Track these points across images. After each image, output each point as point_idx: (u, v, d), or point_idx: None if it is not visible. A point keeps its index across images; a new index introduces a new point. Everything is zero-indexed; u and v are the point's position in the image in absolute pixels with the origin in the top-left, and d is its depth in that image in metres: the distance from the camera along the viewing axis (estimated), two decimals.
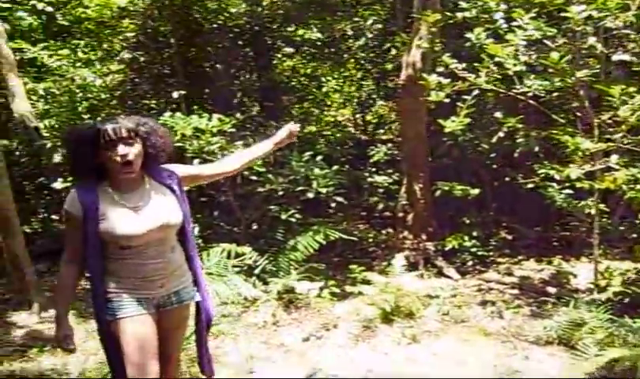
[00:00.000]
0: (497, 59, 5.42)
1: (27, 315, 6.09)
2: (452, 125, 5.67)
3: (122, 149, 2.80)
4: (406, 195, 7.52)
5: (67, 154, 3.09)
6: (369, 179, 8.07)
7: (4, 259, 6.47)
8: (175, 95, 7.66)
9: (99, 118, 2.88)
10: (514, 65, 5.38)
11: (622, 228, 7.06)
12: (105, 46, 9.17)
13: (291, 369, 4.69)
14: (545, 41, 5.46)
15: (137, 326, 2.88)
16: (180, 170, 3.14)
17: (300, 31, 9.51)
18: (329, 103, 10.99)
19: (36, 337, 5.56)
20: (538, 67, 5.74)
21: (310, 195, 6.72)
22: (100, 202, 2.85)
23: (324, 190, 6.67)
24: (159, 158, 3.00)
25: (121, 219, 2.84)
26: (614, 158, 5.28)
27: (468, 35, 5.65)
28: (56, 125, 8.50)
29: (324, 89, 10.76)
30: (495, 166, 8.08)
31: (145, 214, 2.89)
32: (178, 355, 3.27)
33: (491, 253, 7.59)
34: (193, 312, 3.21)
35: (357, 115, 10.90)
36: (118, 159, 2.80)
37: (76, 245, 2.89)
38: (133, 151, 2.83)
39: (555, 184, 6.20)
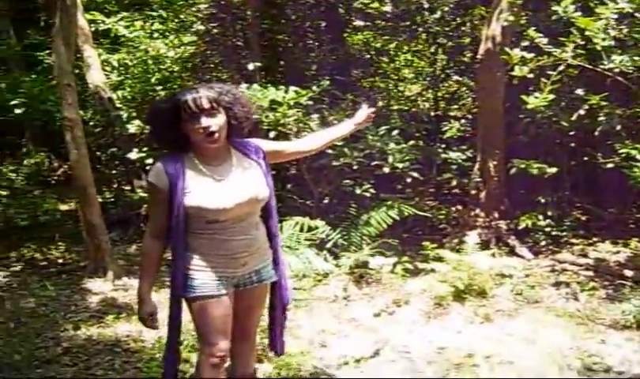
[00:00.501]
0: (586, 33, 5.22)
1: (102, 282, 6.27)
2: (535, 101, 5.49)
3: (204, 121, 2.71)
4: (480, 172, 7.39)
5: (151, 129, 3.02)
6: (442, 155, 7.93)
7: (80, 227, 6.68)
8: (251, 67, 7.67)
9: (178, 89, 2.78)
10: (603, 39, 5.17)
11: None
12: (179, 17, 9.25)
13: (362, 343, 4.68)
14: (637, 14, 5.23)
15: (214, 306, 2.86)
16: (265, 145, 3.08)
17: (375, 5, 9.39)
18: (400, 77, 10.83)
19: (111, 304, 5.70)
20: (628, 42, 5.49)
21: (386, 170, 6.66)
22: (187, 174, 2.78)
23: (400, 165, 6.60)
24: (242, 129, 2.91)
25: (209, 192, 2.77)
26: None
27: (555, 7, 5.44)
28: (129, 96, 8.66)
29: (395, 64, 10.61)
30: (573, 144, 7.84)
31: (234, 187, 2.81)
32: (256, 332, 3.23)
33: (564, 234, 7.39)
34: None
35: (429, 90, 10.72)
36: (201, 131, 2.72)
37: (161, 220, 2.84)
38: (216, 122, 2.74)
39: (637, 164, 5.94)
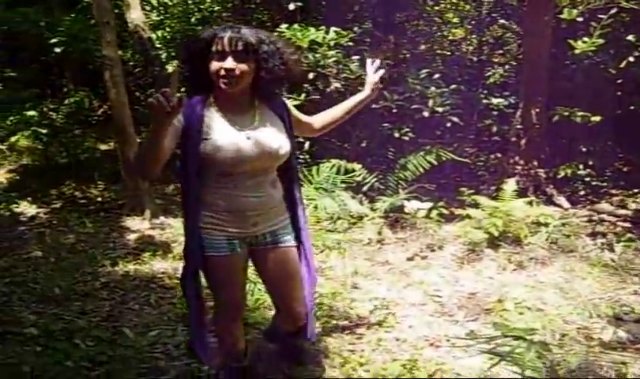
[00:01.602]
0: None
1: (140, 220, 6.43)
2: (583, 45, 5.29)
3: (229, 62, 2.54)
4: (521, 119, 7.26)
5: (181, 60, 2.91)
6: (484, 101, 7.81)
7: (119, 166, 6.81)
8: (291, 6, 7.58)
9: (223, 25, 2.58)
10: None
11: None
12: None
13: (394, 286, 4.74)
14: None
15: (224, 265, 2.76)
16: (291, 108, 2.94)
17: None
18: (444, 20, 10.60)
19: (148, 242, 5.83)
20: None
21: (426, 114, 6.57)
22: (205, 120, 2.63)
23: (440, 109, 6.52)
24: (275, 84, 2.74)
25: (227, 141, 2.61)
26: None
27: None
28: (168, 36, 8.65)
29: (440, 7, 10.37)
30: (619, 93, 7.64)
31: (254, 138, 2.65)
32: (301, 295, 2.99)
33: (605, 184, 7.30)
34: None
35: (473, 35, 10.47)
36: (222, 72, 2.54)
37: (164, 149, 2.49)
38: (242, 67, 2.56)
39: None
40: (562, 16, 5.44)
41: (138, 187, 6.55)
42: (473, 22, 10.14)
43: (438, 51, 9.67)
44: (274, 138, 2.71)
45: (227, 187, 2.68)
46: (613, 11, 5.41)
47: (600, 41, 5.31)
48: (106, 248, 5.71)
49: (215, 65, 2.57)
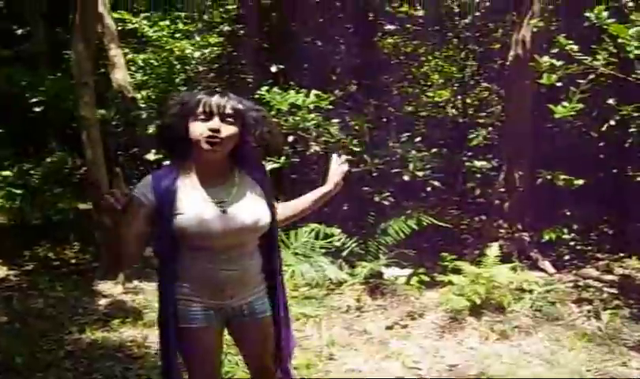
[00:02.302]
0: (619, 41, 5.00)
1: (112, 284, 6.23)
2: (563, 110, 5.24)
3: (216, 122, 2.44)
4: (505, 181, 7.26)
5: (160, 122, 2.70)
6: (467, 163, 7.76)
7: (93, 228, 6.67)
8: (273, 69, 7.59)
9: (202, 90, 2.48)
10: (637, 47, 4.94)
11: None
12: (205, 17, 9.22)
13: (372, 357, 4.57)
14: None
15: (200, 339, 2.63)
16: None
17: (404, 8, 9.25)
18: (429, 83, 10.68)
19: (119, 307, 5.67)
20: None
21: (406, 177, 6.50)
22: (180, 192, 2.51)
23: (420, 173, 6.45)
24: (257, 153, 2.65)
25: (200, 216, 2.49)
26: None
27: (588, 14, 5.24)
28: (153, 96, 8.63)
29: (424, 68, 10.46)
30: (601, 156, 7.62)
31: (230, 213, 2.53)
32: (269, 364, 2.87)
33: (590, 248, 7.23)
34: None
35: (457, 97, 10.55)
36: (207, 132, 2.43)
37: (135, 236, 2.50)
38: (228, 129, 2.46)
39: None
40: (541, 81, 5.43)
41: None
42: (457, 84, 10.21)
43: (423, 113, 9.69)
44: (252, 211, 2.58)
45: (201, 260, 2.55)
46: (591, 77, 5.40)
47: (580, 106, 5.29)
48: (75, 313, 5.55)
49: (199, 125, 2.45)
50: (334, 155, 3.01)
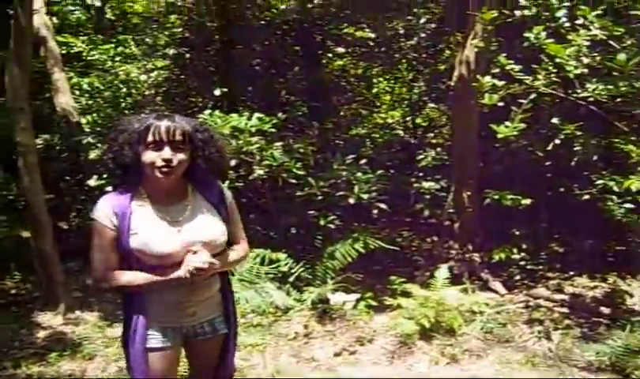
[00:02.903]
0: (557, 61, 5.07)
1: (52, 315, 6.00)
2: (505, 130, 5.31)
3: (167, 153, 2.50)
4: (454, 202, 7.22)
5: (107, 147, 2.68)
6: (415, 185, 7.70)
7: (33, 256, 6.40)
8: (217, 92, 7.48)
9: (153, 113, 2.49)
10: (575, 67, 5.00)
11: None
12: (150, 41, 9.08)
13: None
14: (611, 41, 5.06)
15: (159, 360, 2.66)
16: (231, 204, 2.81)
17: (351, 30, 9.23)
18: (378, 104, 10.69)
19: (58, 339, 5.45)
20: (602, 70, 5.32)
21: (351, 200, 6.39)
22: (134, 213, 2.57)
23: (365, 196, 6.35)
24: (210, 172, 2.71)
25: (156, 234, 2.55)
26: None
27: (527, 34, 5.27)
28: (98, 120, 8.45)
29: (374, 90, 10.47)
30: (549, 175, 7.65)
31: (184, 231, 2.59)
32: None
33: (540, 268, 7.19)
34: None
35: (407, 118, 10.58)
36: (159, 162, 2.50)
37: (113, 261, 2.58)
38: (179, 157, 2.53)
39: (614, 196, 5.73)
40: (483, 101, 5.43)
41: (52, 279, 6.18)
42: (406, 105, 10.23)
43: (373, 135, 9.66)
44: (206, 230, 2.64)
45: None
46: (532, 96, 5.44)
47: (522, 125, 5.32)
48: (11, 347, 5.31)
49: (151, 155, 2.51)
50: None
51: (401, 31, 9.12)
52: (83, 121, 8.43)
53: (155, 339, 2.64)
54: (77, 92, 8.99)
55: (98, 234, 2.58)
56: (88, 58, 8.79)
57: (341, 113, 9.89)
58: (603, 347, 4.81)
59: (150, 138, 2.50)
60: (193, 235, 2.59)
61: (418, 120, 10.52)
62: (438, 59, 9.49)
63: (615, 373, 4.55)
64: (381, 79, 10.36)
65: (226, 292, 2.85)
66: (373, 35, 9.11)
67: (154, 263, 2.55)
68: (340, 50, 9.66)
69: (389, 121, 10.78)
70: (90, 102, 8.96)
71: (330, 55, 9.87)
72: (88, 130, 8.32)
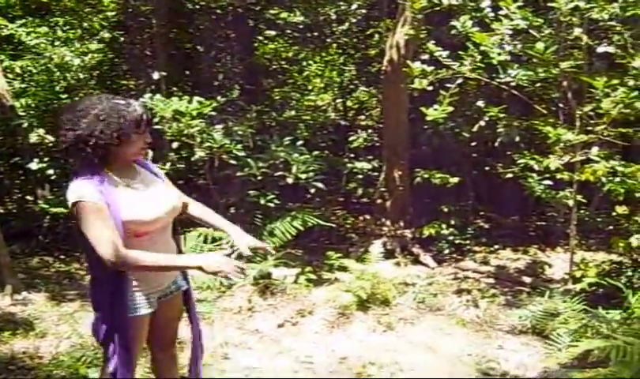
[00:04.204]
0: (482, 48, 5.36)
1: (0, 297, 5.98)
2: (434, 113, 5.56)
3: (148, 136, 2.76)
4: (385, 182, 7.51)
5: (82, 132, 2.60)
6: (348, 165, 7.99)
7: None
8: (156, 76, 7.52)
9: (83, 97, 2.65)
10: (499, 54, 5.33)
11: (598, 220, 7.08)
12: (85, 24, 8.97)
13: (266, 354, 4.65)
14: (531, 31, 5.40)
15: (143, 326, 2.84)
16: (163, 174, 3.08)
17: (284, 15, 9.39)
18: (310, 87, 10.90)
19: (8, 320, 5.39)
20: (523, 57, 5.69)
21: (290, 180, 6.61)
22: (117, 191, 2.66)
23: (303, 176, 6.58)
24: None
25: (140, 204, 2.70)
26: (594, 150, 5.33)
27: (454, 22, 5.57)
28: (32, 104, 8.31)
29: (305, 73, 10.67)
30: (474, 155, 8.07)
31: (155, 198, 2.78)
32: (175, 341, 3.28)
33: (467, 242, 7.60)
34: None
35: (338, 100, 10.82)
36: (142, 144, 2.74)
37: (118, 238, 2.58)
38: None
39: (534, 174, 6.13)
40: (413, 86, 5.69)
41: None
42: (337, 88, 10.47)
43: (305, 117, 9.87)
44: (169, 196, 2.87)
45: (145, 246, 2.69)
46: (459, 81, 5.73)
47: (450, 108, 5.60)
48: None
49: (139, 139, 2.70)
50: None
51: (333, 17, 9.34)
52: (17, 104, 8.26)
53: (143, 307, 2.77)
54: (10, 76, 8.79)
55: (96, 212, 2.55)
56: (21, 40, 8.58)
57: (273, 96, 10.05)
58: (525, 312, 5.16)
59: (143, 125, 2.69)
60: (164, 201, 2.80)
61: (349, 103, 10.77)
62: (369, 44, 9.75)
63: (535, 335, 4.93)
64: (311, 62, 10.56)
65: (181, 251, 3.10)
66: (305, 20, 9.30)
67: (144, 228, 2.68)
68: (272, 33, 9.81)
69: (320, 103, 11.02)
70: (24, 85, 8.78)
71: (262, 39, 10.02)
72: (22, 114, 8.18)
